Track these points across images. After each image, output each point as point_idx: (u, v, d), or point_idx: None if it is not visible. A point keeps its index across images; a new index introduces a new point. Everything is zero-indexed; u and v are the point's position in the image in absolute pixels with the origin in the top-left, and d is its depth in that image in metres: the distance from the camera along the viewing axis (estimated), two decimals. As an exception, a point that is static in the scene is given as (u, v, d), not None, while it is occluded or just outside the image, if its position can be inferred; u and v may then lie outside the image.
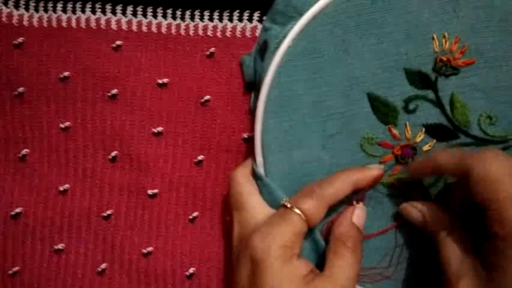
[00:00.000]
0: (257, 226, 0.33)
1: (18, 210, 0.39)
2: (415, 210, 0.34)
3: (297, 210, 0.32)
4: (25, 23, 0.38)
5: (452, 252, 0.31)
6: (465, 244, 0.31)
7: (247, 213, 0.34)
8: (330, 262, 0.32)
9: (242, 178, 0.36)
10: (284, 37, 0.35)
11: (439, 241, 0.32)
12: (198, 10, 0.39)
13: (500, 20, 0.34)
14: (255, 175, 0.36)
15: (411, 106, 0.35)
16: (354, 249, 0.32)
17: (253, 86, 0.38)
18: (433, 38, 0.35)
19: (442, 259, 0.32)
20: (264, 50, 0.37)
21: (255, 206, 0.34)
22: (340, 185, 0.33)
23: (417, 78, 0.35)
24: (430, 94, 0.35)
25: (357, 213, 0.34)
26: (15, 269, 0.39)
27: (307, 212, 0.32)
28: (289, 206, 0.32)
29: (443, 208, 0.33)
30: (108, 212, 0.39)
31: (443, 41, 0.35)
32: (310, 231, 0.33)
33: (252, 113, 0.38)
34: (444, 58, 0.35)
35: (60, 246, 0.39)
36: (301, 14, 0.35)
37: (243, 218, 0.34)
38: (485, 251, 0.29)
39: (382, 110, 0.35)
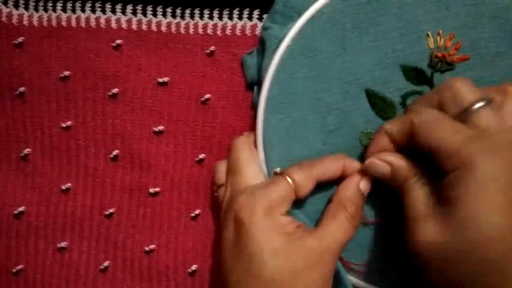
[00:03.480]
0: (245, 188, 0.34)
1: (21, 209, 0.39)
2: (383, 163, 0.33)
3: (287, 177, 0.33)
4: (25, 22, 0.38)
5: (419, 196, 0.31)
6: (430, 188, 0.31)
7: (240, 178, 0.35)
8: (325, 223, 0.33)
9: (243, 145, 0.36)
10: (284, 37, 0.36)
11: (406, 188, 0.32)
12: (198, 8, 0.39)
13: (491, 16, 0.35)
14: None
15: (408, 101, 0.36)
16: (354, 216, 0.33)
17: (254, 85, 0.39)
18: (427, 35, 0.36)
19: (408, 204, 0.31)
20: (262, 49, 0.37)
21: (249, 173, 0.35)
22: (330, 164, 0.34)
23: (413, 75, 0.36)
24: (427, 90, 0.36)
25: (365, 181, 0.34)
26: (19, 267, 0.39)
27: (296, 181, 0.33)
28: (279, 172, 0.34)
29: (410, 158, 0.33)
30: (110, 211, 0.40)
31: (438, 37, 0.36)
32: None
33: (255, 108, 0.38)
34: (439, 54, 0.36)
35: (63, 244, 0.40)
36: (300, 14, 0.36)
37: (236, 182, 0.35)
38: (442, 190, 0.30)
39: (380, 106, 0.36)
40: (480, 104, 0.30)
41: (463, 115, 0.30)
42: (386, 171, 0.33)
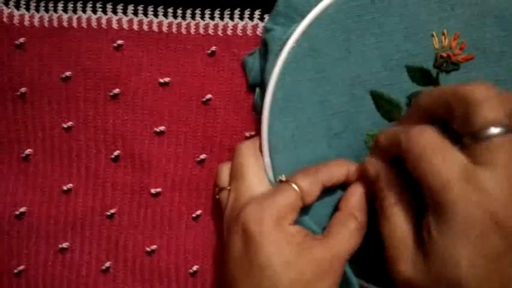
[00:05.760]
0: (252, 197, 0.33)
1: (22, 209, 0.39)
2: (372, 167, 0.32)
3: (293, 185, 0.32)
4: (26, 23, 0.38)
5: (397, 224, 0.29)
6: (410, 217, 0.30)
7: (244, 184, 0.34)
8: (334, 232, 0.32)
9: (248, 150, 0.36)
10: (287, 39, 0.36)
11: (385, 208, 0.30)
12: (199, 9, 0.39)
13: (495, 16, 0.35)
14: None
15: None
16: (362, 224, 0.33)
17: (256, 86, 0.38)
18: (432, 36, 0.36)
19: (384, 235, 0.30)
20: (265, 51, 0.37)
21: (253, 179, 0.35)
22: (335, 170, 0.34)
23: (419, 75, 0.36)
24: None
25: None
26: (20, 268, 0.39)
27: (302, 187, 0.32)
28: (285, 180, 0.33)
29: (399, 174, 0.31)
30: (112, 211, 0.40)
31: (443, 38, 0.36)
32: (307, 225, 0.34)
33: (256, 110, 0.38)
34: (444, 54, 0.36)
35: (64, 245, 0.40)
36: (302, 16, 0.36)
37: (240, 188, 0.34)
38: (423, 223, 0.28)
39: (386, 107, 0.36)
40: (497, 130, 0.25)
41: (469, 139, 0.27)
42: (372, 174, 0.32)
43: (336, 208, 0.34)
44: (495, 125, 0.26)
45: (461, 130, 0.27)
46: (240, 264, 0.31)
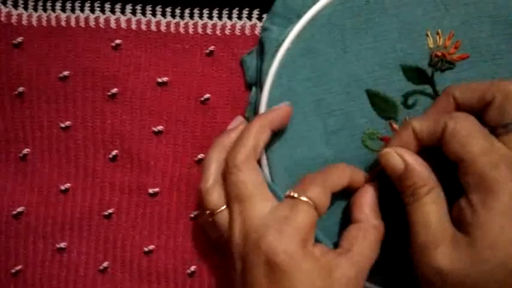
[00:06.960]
0: (264, 221, 0.30)
1: (20, 209, 0.39)
2: (398, 158, 0.30)
3: (305, 198, 0.30)
4: (24, 22, 0.38)
5: (432, 214, 0.29)
6: (444, 205, 0.29)
7: (253, 206, 0.31)
8: (356, 245, 0.31)
9: (245, 164, 0.32)
10: (284, 39, 0.36)
11: (417, 199, 0.29)
12: (197, 8, 0.39)
13: (490, 15, 0.36)
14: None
15: (410, 101, 0.36)
16: (381, 230, 0.32)
17: (253, 86, 0.39)
18: (427, 35, 0.36)
19: (418, 221, 0.29)
20: (261, 50, 0.37)
21: (262, 198, 0.31)
22: (340, 174, 0.33)
23: (414, 74, 0.36)
24: (428, 89, 0.36)
25: (377, 191, 0.33)
26: (18, 267, 0.39)
27: (315, 199, 0.30)
28: (296, 195, 0.31)
29: (428, 165, 0.31)
30: (110, 211, 0.39)
31: (437, 37, 0.36)
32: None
33: (251, 107, 0.38)
34: (439, 53, 0.36)
35: (62, 245, 0.39)
36: (299, 16, 0.36)
37: (248, 210, 0.31)
38: (460, 210, 0.28)
39: (382, 106, 0.36)
40: None
41: (502, 128, 0.29)
42: (398, 168, 0.30)
43: (346, 212, 0.34)
44: None
45: (497, 119, 0.29)
46: None
